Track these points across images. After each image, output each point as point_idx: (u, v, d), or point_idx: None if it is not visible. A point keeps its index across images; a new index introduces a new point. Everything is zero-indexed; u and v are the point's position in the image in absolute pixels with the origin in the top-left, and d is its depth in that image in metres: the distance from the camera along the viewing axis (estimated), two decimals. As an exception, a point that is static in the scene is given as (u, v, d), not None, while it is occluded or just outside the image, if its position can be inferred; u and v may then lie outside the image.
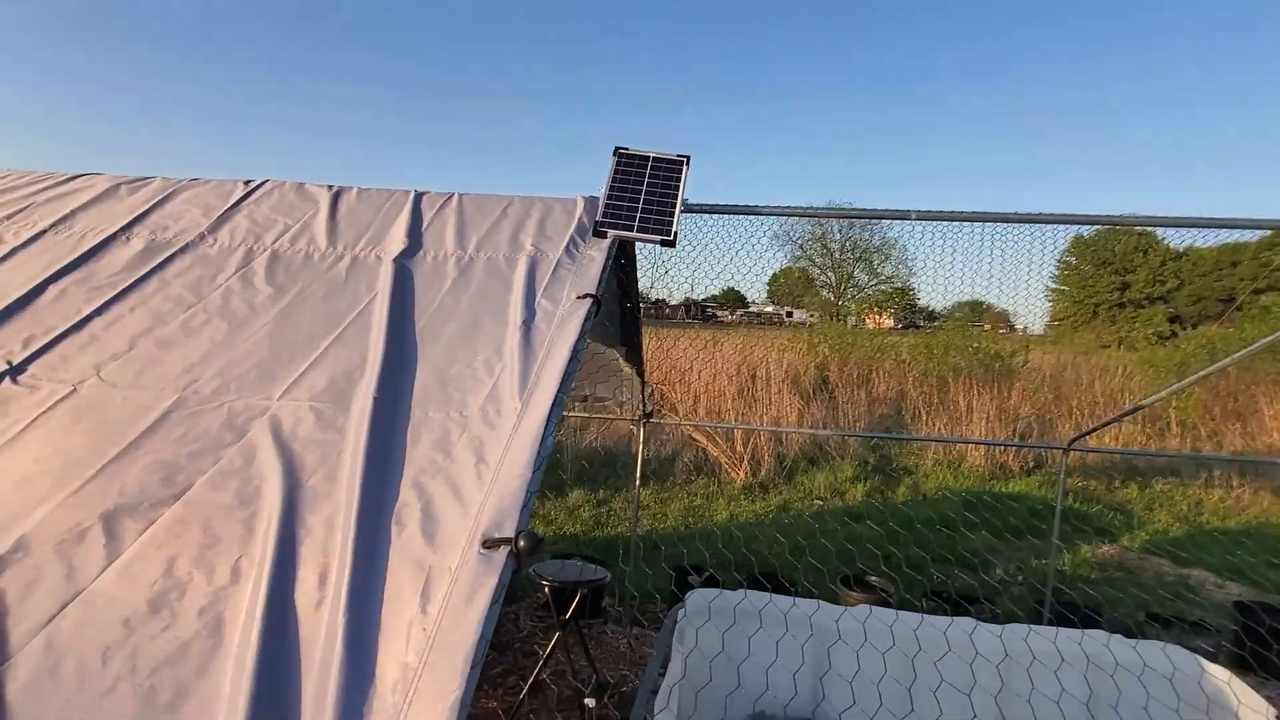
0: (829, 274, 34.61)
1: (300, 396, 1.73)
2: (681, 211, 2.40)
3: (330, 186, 2.78)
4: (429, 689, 0.98)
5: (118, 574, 1.23)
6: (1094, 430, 5.42)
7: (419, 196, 2.70)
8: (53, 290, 2.19)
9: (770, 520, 7.42)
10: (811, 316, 29.60)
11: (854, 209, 2.63)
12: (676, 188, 2.47)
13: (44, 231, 2.51)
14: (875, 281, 34.02)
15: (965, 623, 2.49)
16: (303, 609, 1.14)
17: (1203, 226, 2.76)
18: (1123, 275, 31.80)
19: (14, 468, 1.51)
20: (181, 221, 2.57)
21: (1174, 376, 12.31)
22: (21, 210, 2.65)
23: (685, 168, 2.53)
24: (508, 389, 1.67)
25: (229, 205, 2.65)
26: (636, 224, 2.36)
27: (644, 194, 2.44)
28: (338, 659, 1.03)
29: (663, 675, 2.16)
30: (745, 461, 8.64)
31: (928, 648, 2.40)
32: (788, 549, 6.23)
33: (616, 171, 2.51)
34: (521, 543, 1.16)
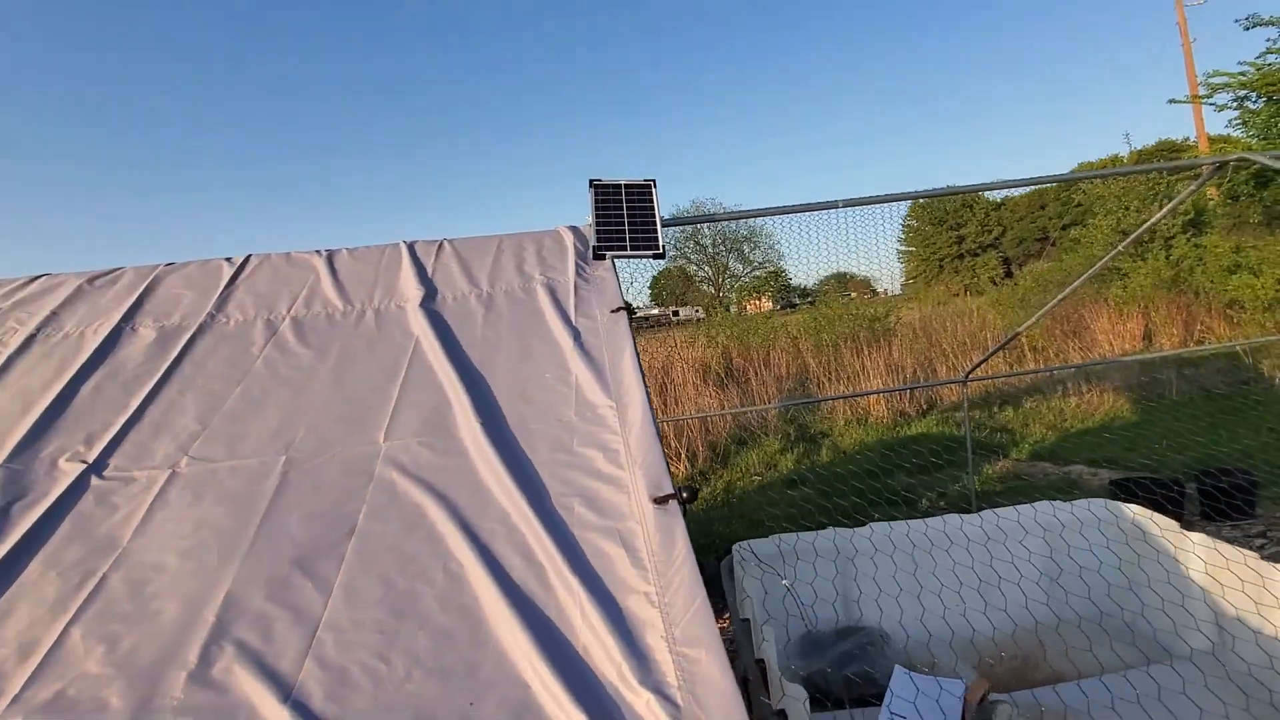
0: (706, 268, 36.16)
1: (403, 435, 1.93)
2: (662, 226, 2.77)
3: (319, 252, 2.90)
4: (679, 602, 1.27)
5: (344, 602, 1.42)
6: (983, 361, 6.31)
7: (410, 246, 2.89)
8: (85, 389, 2.21)
9: (720, 501, 7.92)
10: (697, 312, 30.80)
11: (799, 205, 3.09)
12: (652, 207, 2.83)
13: (34, 335, 2.48)
14: (750, 269, 35.95)
15: (951, 518, 3.04)
16: (529, 581, 1.39)
17: (1017, 185, 3.49)
18: (956, 230, 35.55)
19: (168, 546, 1.62)
20: (181, 306, 2.62)
21: (1019, 311, 14.13)
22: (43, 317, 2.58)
23: (654, 189, 2.90)
24: (592, 393, 1.96)
25: (225, 284, 2.72)
26: (628, 244, 2.70)
27: (626, 217, 2.78)
28: (588, 604, 1.29)
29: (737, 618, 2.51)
30: (683, 455, 9.11)
31: (923, 543, 2.92)
32: (745, 524, 6.74)
33: (597, 201, 2.83)
34: (684, 494, 1.48)
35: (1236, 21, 11.67)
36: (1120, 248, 4.54)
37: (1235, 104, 12.62)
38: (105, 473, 1.87)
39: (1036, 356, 12.45)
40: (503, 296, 2.56)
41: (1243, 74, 12.18)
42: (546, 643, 1.25)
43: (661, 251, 2.69)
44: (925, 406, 10.78)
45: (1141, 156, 24.09)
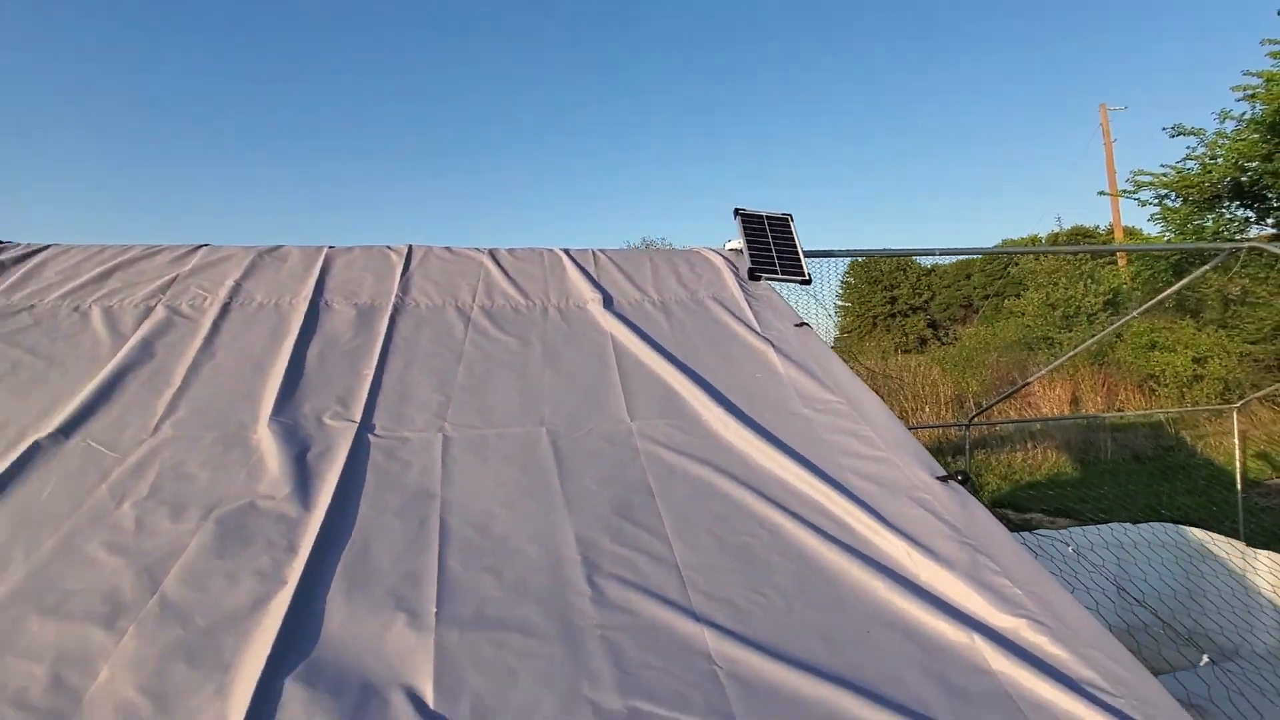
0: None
1: (647, 417, 2.14)
2: (805, 255, 3.10)
3: (483, 250, 3.07)
4: (998, 549, 1.54)
5: (687, 548, 1.61)
6: (988, 408, 6.91)
7: (567, 253, 3.10)
8: (311, 356, 2.30)
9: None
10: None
11: (933, 249, 3.49)
12: (792, 237, 3.16)
13: (228, 303, 2.54)
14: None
15: (1029, 536, 3.46)
16: (845, 536, 1.63)
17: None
18: (890, 290, 37.78)
19: (485, 497, 1.76)
20: (366, 287, 2.73)
21: (963, 369, 15.21)
22: (167, 284, 2.62)
23: (792, 221, 3.24)
24: (814, 391, 2.23)
25: (400, 270, 2.85)
26: (779, 269, 3.01)
27: (773, 245, 3.10)
28: (913, 550, 1.54)
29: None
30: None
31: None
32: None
33: (745, 229, 3.14)
34: (959, 476, 1.77)
35: (1164, 129, 13.29)
36: (1135, 312, 5.20)
37: (1156, 201, 14.28)
38: (377, 432, 1.99)
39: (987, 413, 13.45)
40: (675, 305, 2.81)
41: (1164, 175, 13.85)
42: (897, 580, 1.50)
43: (808, 278, 3.02)
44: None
45: (1058, 239, 26.46)
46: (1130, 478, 9.33)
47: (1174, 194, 13.81)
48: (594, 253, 3.15)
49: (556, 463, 1.92)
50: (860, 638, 1.38)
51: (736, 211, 3.21)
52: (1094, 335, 16.34)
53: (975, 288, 35.41)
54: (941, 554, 1.57)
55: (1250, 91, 12.26)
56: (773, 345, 2.50)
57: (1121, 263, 18.17)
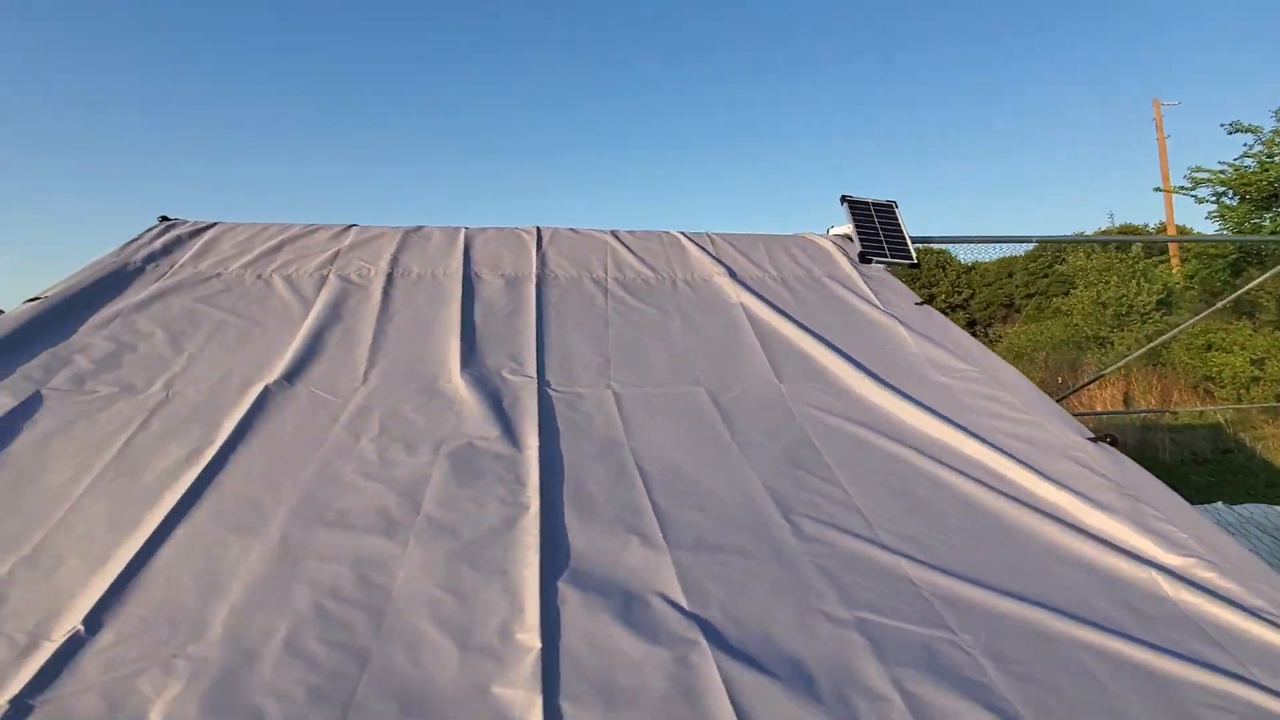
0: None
1: (795, 380, 2.30)
2: (912, 241, 3.23)
3: (604, 230, 3.25)
4: (1156, 499, 1.68)
5: (866, 497, 1.77)
6: (1070, 394, 6.96)
7: (683, 234, 3.27)
8: (478, 319, 2.51)
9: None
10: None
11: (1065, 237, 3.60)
12: (898, 223, 3.30)
13: (391, 274, 2.76)
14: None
15: None
16: (1012, 489, 1.78)
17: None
18: (929, 288, 37.36)
19: (667, 446, 1.94)
20: (506, 260, 2.94)
21: (1017, 363, 15.09)
22: (331, 258, 2.85)
23: (896, 207, 3.37)
24: (946, 361, 2.38)
25: (535, 246, 3.05)
26: (887, 253, 3.14)
27: (880, 230, 3.23)
28: (1078, 501, 1.69)
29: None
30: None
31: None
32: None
33: (853, 215, 3.28)
34: (1108, 438, 1.91)
35: (1222, 125, 13.02)
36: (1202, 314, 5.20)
37: (1214, 198, 13.99)
38: (554, 387, 2.19)
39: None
40: (795, 282, 2.96)
41: (1222, 172, 13.56)
42: (1067, 525, 1.64)
43: (916, 262, 3.15)
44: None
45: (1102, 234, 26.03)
46: (1189, 479, 9.25)
47: (1231, 192, 13.53)
48: (708, 234, 3.31)
49: (722, 418, 2.09)
50: (1042, 571, 1.53)
51: (844, 198, 3.34)
52: (1147, 335, 16.07)
53: (1017, 286, 34.87)
54: (1105, 504, 1.71)
55: None
56: (899, 321, 2.65)
57: (1174, 265, 17.80)
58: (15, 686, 1.09)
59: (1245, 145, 13.63)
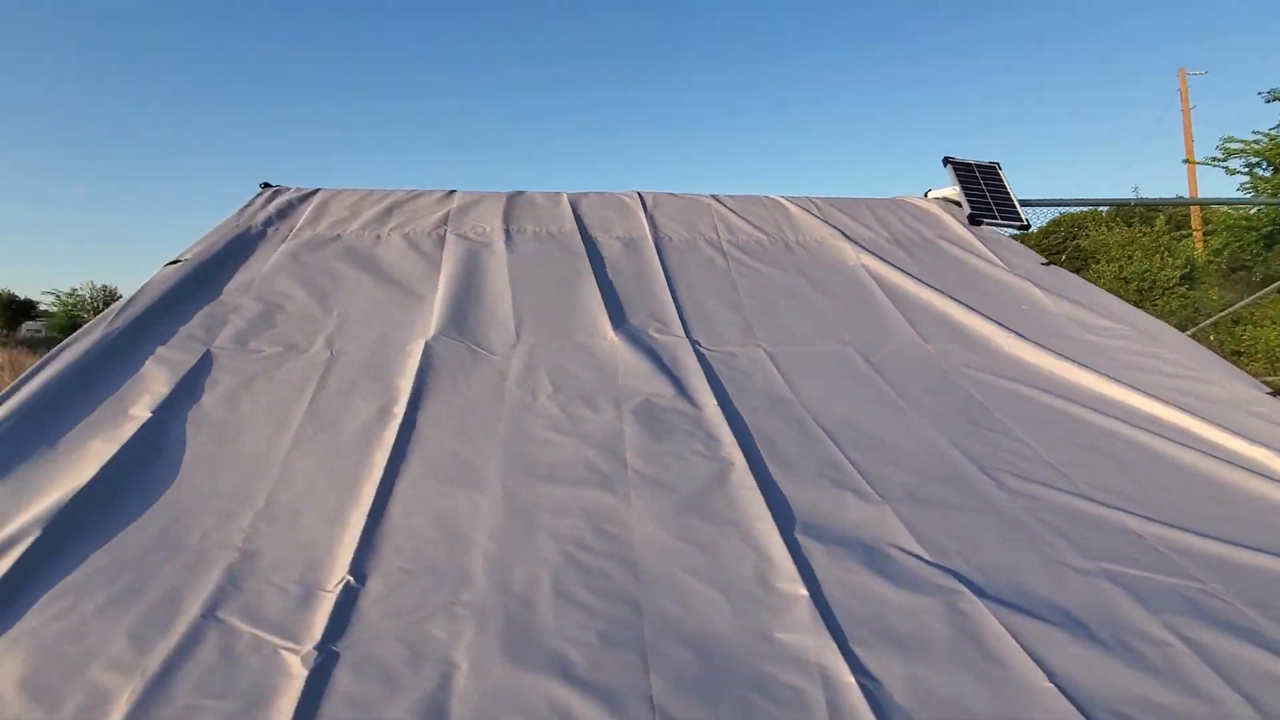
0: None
1: (941, 341, 2.27)
2: (1020, 203, 3.18)
3: (705, 195, 3.20)
4: None
5: (1047, 447, 1.76)
6: None
7: (787, 199, 3.23)
8: (609, 281, 2.48)
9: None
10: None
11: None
12: (1004, 185, 3.24)
13: (508, 232, 2.73)
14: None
15: None
16: (1180, 436, 1.77)
17: None
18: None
19: (834, 401, 1.92)
20: (618, 224, 2.90)
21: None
22: (443, 219, 2.81)
23: (1000, 169, 3.31)
24: (1090, 320, 2.35)
25: (643, 211, 3.00)
26: (996, 215, 3.09)
27: (986, 192, 3.18)
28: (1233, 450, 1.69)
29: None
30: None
31: None
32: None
33: (959, 177, 3.22)
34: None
35: (1259, 94, 12.80)
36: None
37: (1246, 170, 13.80)
38: (705, 346, 2.16)
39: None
40: (909, 243, 2.92)
41: (1256, 142, 13.36)
42: (1274, 480, 1.63)
43: (1026, 224, 3.10)
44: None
45: (1134, 212, 25.78)
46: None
47: (1265, 162, 13.34)
48: (807, 198, 3.26)
49: (880, 376, 2.07)
50: (1266, 523, 1.52)
51: (946, 160, 3.29)
52: (1171, 309, 15.95)
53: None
54: (1259, 446, 1.69)
55: None
56: (1030, 281, 2.61)
57: (1198, 244, 17.66)
58: (314, 634, 1.08)
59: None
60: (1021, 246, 2.89)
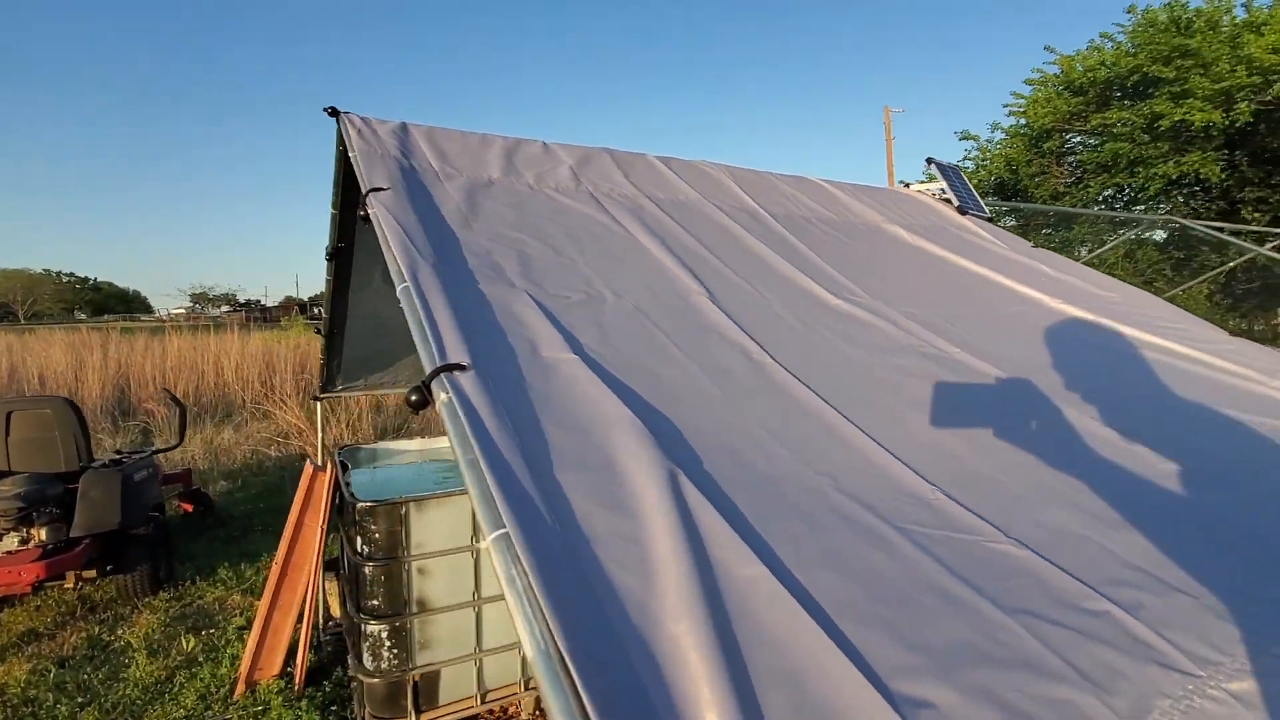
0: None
1: (1017, 305, 2.84)
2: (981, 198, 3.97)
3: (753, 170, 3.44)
4: None
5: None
6: None
7: (822, 181, 3.60)
8: (781, 250, 2.61)
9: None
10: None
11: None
12: (967, 182, 4.01)
13: (647, 195, 2.69)
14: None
15: None
16: None
17: None
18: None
19: (1031, 360, 2.35)
20: (723, 192, 3.01)
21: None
22: (569, 175, 2.67)
23: (960, 170, 4.07)
24: (1092, 290, 3.10)
25: (731, 182, 3.14)
26: (972, 208, 3.84)
27: (961, 189, 3.92)
28: None
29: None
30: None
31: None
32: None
33: (943, 174, 3.91)
34: None
35: (955, 132, 16.48)
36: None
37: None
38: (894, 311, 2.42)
39: None
40: (931, 229, 3.49)
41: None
42: None
43: (991, 216, 3.89)
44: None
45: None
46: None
47: (958, 186, 17.22)
48: (834, 184, 3.68)
49: (1045, 341, 2.51)
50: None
51: (930, 160, 3.96)
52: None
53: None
54: None
55: (1017, 107, 15.49)
56: (1037, 260, 3.33)
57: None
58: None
59: (966, 150, 17.34)
60: (1007, 233, 3.65)
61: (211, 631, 4.41)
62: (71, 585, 4.77)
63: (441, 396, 1.13)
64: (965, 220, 3.68)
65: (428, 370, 1.20)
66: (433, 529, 3.37)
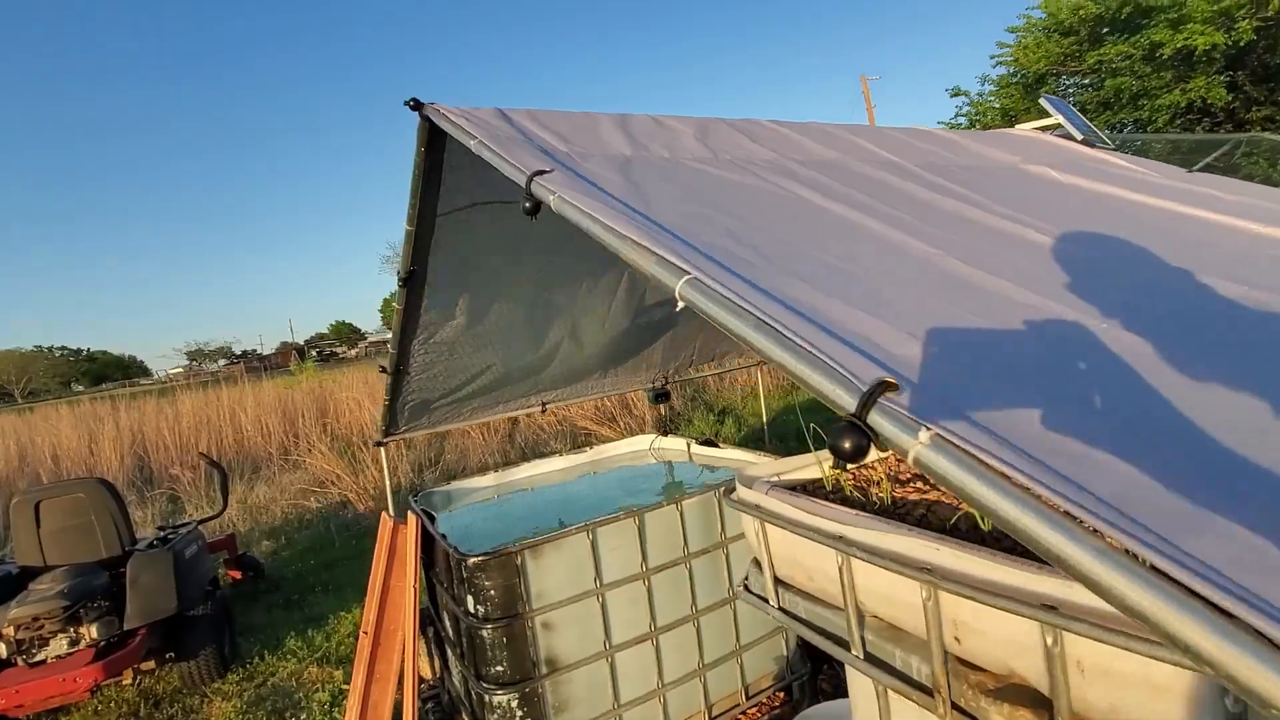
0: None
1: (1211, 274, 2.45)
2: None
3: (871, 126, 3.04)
4: None
5: None
6: None
7: (927, 129, 3.21)
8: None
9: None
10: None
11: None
12: (1079, 114, 3.62)
13: (761, 160, 2.29)
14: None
15: None
16: None
17: None
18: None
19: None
20: (813, 150, 2.61)
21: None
22: (705, 151, 2.28)
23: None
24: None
25: (873, 145, 2.75)
26: (1096, 140, 3.45)
27: (1078, 122, 3.52)
28: None
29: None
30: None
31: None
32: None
33: (1057, 109, 3.51)
34: None
35: (946, 90, 16.13)
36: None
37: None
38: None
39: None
40: (1070, 166, 3.10)
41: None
42: None
43: (1116, 146, 3.50)
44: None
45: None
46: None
47: (955, 142, 16.93)
48: (939, 131, 3.29)
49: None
50: None
51: (1042, 97, 3.57)
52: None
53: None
54: None
55: (1006, 56, 15.09)
56: (1207, 186, 2.94)
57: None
58: None
59: (957, 107, 17.00)
60: (1150, 160, 3.27)
61: (296, 713, 3.97)
62: (130, 681, 4.33)
63: (923, 436, 0.69)
64: (1098, 153, 3.29)
65: (836, 393, 0.77)
66: (551, 576, 2.97)
